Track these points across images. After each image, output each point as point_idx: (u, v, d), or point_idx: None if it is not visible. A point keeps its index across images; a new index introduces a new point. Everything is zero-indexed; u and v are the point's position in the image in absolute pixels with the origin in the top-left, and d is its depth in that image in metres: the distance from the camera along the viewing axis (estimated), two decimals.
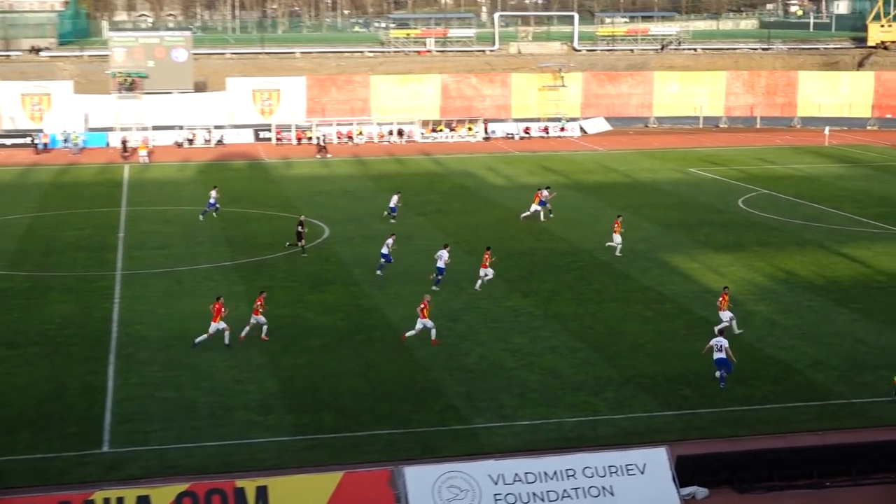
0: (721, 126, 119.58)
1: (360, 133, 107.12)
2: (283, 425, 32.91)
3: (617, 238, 55.15)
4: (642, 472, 27.97)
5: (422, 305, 40.48)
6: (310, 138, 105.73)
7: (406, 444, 31.51)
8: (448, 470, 27.43)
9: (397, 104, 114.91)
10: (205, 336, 39.95)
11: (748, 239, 59.48)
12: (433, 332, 40.49)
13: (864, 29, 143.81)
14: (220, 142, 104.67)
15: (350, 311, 45.35)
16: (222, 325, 39.94)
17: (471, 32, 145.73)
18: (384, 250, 51.44)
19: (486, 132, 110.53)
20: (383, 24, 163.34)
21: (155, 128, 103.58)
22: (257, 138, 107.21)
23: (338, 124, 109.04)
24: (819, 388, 36.08)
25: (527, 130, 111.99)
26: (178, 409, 34.30)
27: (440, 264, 49.22)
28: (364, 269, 52.59)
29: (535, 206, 65.17)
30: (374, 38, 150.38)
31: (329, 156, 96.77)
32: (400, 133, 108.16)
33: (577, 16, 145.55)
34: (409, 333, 40.51)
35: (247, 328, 40.94)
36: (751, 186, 78.02)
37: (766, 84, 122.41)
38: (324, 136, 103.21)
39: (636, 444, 30.64)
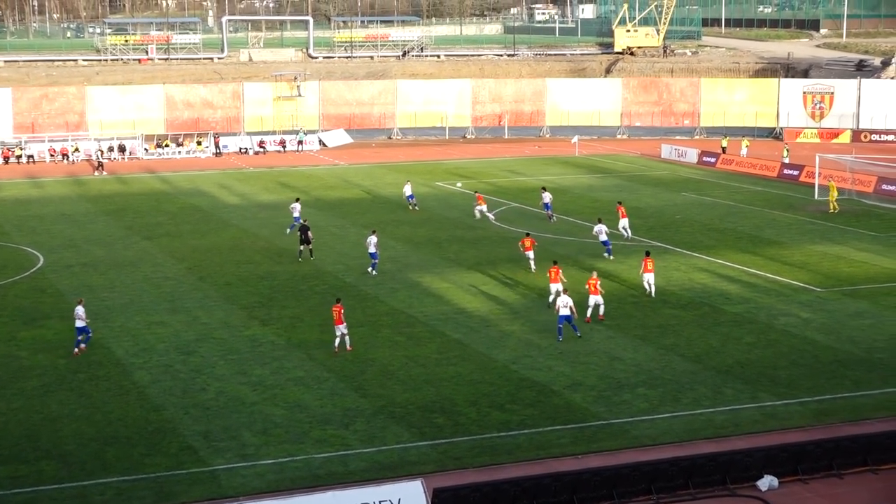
0: (468, 137, 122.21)
1: (77, 150, 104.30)
2: None
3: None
4: None
5: (594, 281, 47.67)
6: (18, 157, 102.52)
7: (139, 491, 30.80)
8: None
9: (118, 117, 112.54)
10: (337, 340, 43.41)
11: (500, 255, 60.85)
12: (601, 308, 47.65)
13: (611, 34, 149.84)
14: None
15: (70, 347, 44.01)
16: (343, 328, 43.47)
17: (196, 38, 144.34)
18: (371, 249, 56.79)
19: (216, 147, 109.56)
20: (98, 30, 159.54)
21: None
22: None
23: (51, 140, 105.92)
24: (577, 410, 37.19)
25: (262, 144, 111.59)
26: None
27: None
28: (84, 300, 51.11)
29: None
30: (89, 45, 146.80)
31: (104, 173, 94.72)
32: (122, 149, 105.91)
33: (311, 20, 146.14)
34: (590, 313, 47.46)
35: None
36: (500, 200, 79.90)
37: (513, 92, 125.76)
38: (100, 150, 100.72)
39: (390, 478, 30.86)
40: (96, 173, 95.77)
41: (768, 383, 39.72)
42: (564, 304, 44.79)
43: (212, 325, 47.23)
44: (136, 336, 45.35)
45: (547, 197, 71.75)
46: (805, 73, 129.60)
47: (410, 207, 75.59)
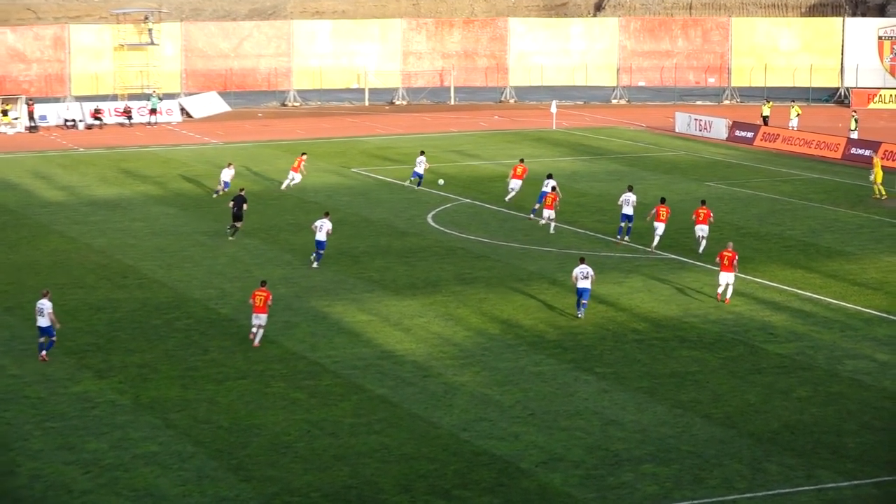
0: (397, 103, 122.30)
1: None
2: None
3: None
4: None
5: (729, 255, 55.24)
6: None
7: None
8: None
9: None
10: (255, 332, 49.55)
11: (444, 274, 60.88)
12: (730, 288, 55.66)
13: None
14: None
15: None
16: (263, 318, 49.60)
17: None
18: (321, 236, 62.18)
19: (30, 118, 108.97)
20: None
21: None
22: None
23: None
24: (556, 496, 37.17)
25: (97, 115, 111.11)
26: None
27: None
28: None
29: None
30: None
31: None
32: None
33: None
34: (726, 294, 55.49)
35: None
36: (445, 194, 79.90)
37: (461, 38, 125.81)
38: None
39: None
40: None
41: (830, 456, 39.92)
42: (585, 276, 52.50)
43: (23, 379, 46.80)
44: None
45: (548, 186, 72.42)
46: (881, 10, 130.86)
47: (215, 194, 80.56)
